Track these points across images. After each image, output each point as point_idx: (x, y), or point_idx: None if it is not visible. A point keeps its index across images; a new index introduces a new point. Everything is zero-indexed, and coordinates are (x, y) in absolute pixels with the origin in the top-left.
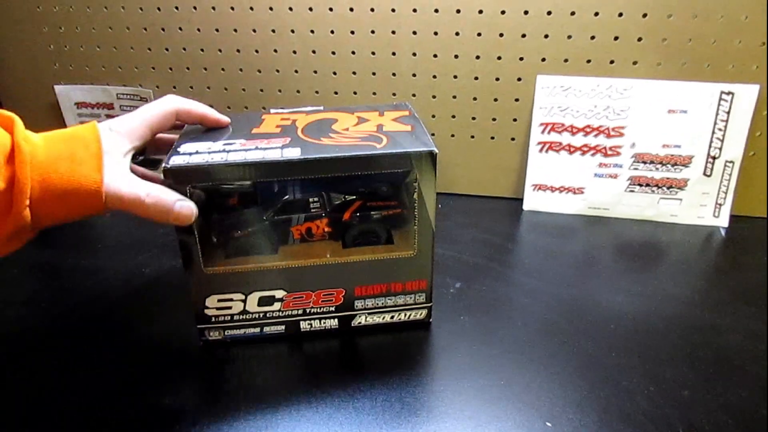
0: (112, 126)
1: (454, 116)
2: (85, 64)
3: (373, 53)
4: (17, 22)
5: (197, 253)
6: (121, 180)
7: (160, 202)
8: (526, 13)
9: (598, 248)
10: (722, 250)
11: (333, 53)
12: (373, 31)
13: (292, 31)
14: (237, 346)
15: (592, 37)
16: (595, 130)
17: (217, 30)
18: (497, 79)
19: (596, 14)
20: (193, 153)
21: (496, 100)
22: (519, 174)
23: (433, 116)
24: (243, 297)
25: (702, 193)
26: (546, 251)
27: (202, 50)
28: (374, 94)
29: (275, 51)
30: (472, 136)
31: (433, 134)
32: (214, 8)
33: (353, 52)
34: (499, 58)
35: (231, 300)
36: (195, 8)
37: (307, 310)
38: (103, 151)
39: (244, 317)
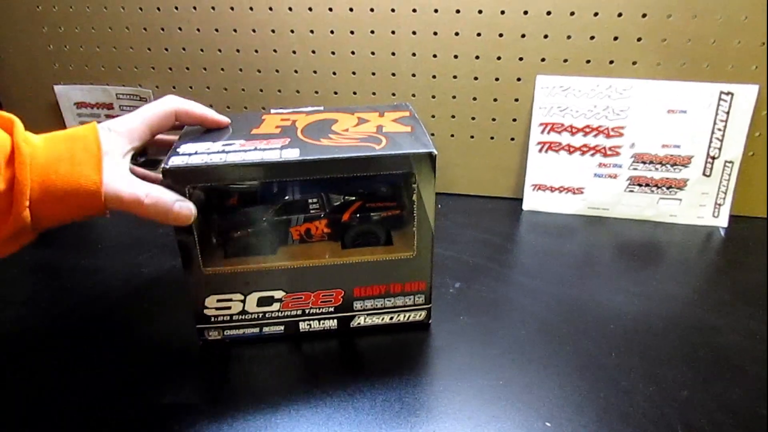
0: (111, 126)
1: (453, 116)
2: (84, 64)
3: (373, 53)
4: (17, 22)
5: (196, 254)
6: (121, 180)
7: (160, 202)
8: (525, 13)
9: (598, 248)
10: (721, 250)
11: (333, 53)
12: (372, 31)
13: (292, 31)
14: (236, 346)
15: (592, 38)
16: (594, 130)
17: (216, 30)
18: (497, 79)
19: (596, 14)
20: (192, 154)
21: (495, 100)
22: (518, 174)
23: (433, 116)
24: (242, 297)
25: (701, 193)
26: (545, 251)
27: (201, 50)
28: (374, 94)
29: (275, 51)
30: (472, 136)
31: (432, 134)
32: (213, 8)
33: (353, 52)
34: (498, 58)
35: (230, 300)
36: (194, 8)
37: (306, 311)
38: (103, 152)
39: (243, 317)
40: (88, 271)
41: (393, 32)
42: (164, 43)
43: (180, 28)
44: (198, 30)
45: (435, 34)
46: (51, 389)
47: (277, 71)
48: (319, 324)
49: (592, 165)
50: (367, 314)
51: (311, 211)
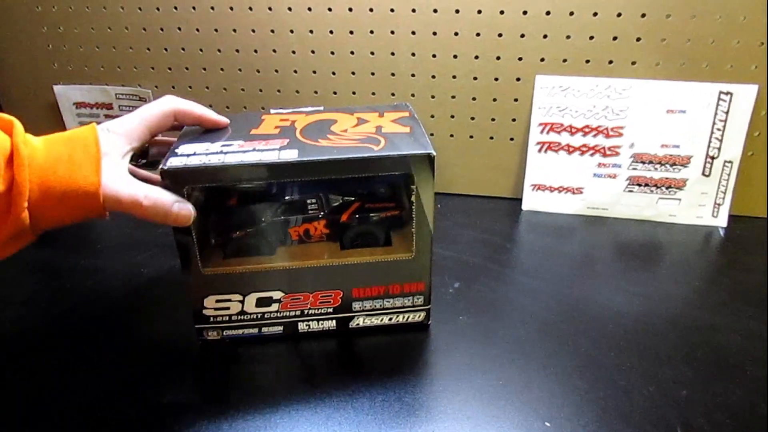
0: (110, 127)
1: (453, 116)
2: (84, 64)
3: (372, 53)
4: (16, 22)
5: (195, 254)
6: (119, 182)
7: (158, 204)
8: (525, 13)
9: (597, 248)
10: (721, 250)
11: (332, 53)
12: (372, 31)
13: (291, 31)
14: (236, 346)
15: (591, 38)
16: (593, 130)
17: (216, 30)
18: (496, 79)
19: (595, 14)
20: (191, 154)
21: (495, 100)
22: (518, 174)
23: (432, 116)
24: (241, 298)
25: (701, 193)
26: (545, 251)
27: (201, 50)
28: (373, 94)
29: (274, 51)
30: (471, 136)
31: (431, 134)
32: (213, 8)
33: (352, 52)
34: (498, 58)
35: (229, 300)
36: (194, 8)
37: (305, 312)
38: (102, 153)
39: (242, 318)
40: (88, 271)
41: (392, 32)
42: (163, 43)
43: (179, 28)
44: (197, 30)
45: (434, 34)
46: (51, 389)
47: (276, 71)
48: (318, 324)
49: (591, 165)
50: (366, 315)
51: (310, 212)
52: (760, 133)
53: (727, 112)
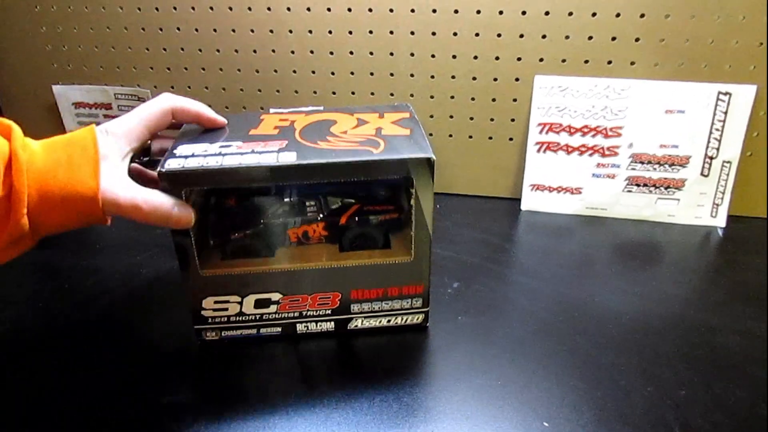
0: (109, 129)
1: (452, 116)
2: (83, 64)
3: (371, 53)
4: (15, 22)
5: (193, 256)
6: (119, 185)
7: (158, 208)
8: (524, 13)
9: (596, 248)
10: (720, 250)
11: (331, 53)
12: (371, 32)
13: (291, 32)
14: (234, 347)
15: (590, 38)
16: (592, 131)
17: (215, 30)
18: (495, 80)
19: (594, 15)
20: (189, 156)
21: (494, 100)
22: (517, 174)
23: (431, 116)
24: (239, 299)
25: (699, 193)
26: (544, 251)
27: (200, 50)
28: (372, 94)
29: (273, 51)
30: (470, 137)
31: (431, 134)
32: (212, 8)
33: (351, 53)
34: (497, 58)
35: (227, 302)
36: (193, 8)
37: (303, 313)
38: (101, 156)
39: (240, 319)
40: (87, 271)
41: (391, 32)
42: (163, 43)
43: (178, 28)
44: (196, 30)
45: (433, 34)
46: (50, 389)
47: (275, 71)
48: (317, 326)
49: (590, 165)
50: (365, 317)
51: (309, 214)
52: (758, 134)
53: (725, 113)
